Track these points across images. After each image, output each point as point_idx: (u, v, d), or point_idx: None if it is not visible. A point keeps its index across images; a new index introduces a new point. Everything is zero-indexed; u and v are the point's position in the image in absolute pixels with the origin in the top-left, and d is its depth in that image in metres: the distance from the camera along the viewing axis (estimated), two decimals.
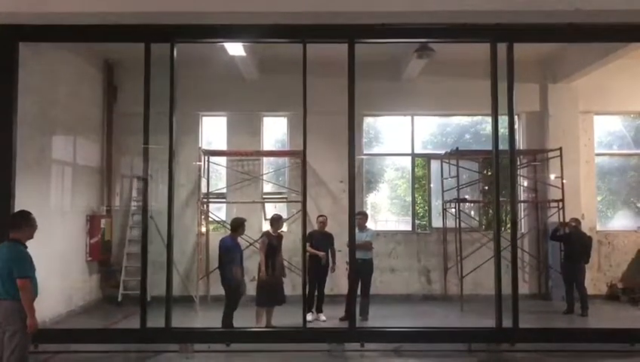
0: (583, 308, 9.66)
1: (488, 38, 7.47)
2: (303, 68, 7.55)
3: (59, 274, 9.15)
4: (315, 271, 9.17)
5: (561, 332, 8.09)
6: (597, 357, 7.19)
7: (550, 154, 11.24)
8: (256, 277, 8.63)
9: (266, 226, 9.46)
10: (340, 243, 9.23)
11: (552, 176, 11.30)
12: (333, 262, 9.35)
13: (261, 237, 8.88)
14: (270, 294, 8.42)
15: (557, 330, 8.23)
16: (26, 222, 5.25)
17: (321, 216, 9.64)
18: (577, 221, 10.17)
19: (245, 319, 8.31)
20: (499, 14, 6.85)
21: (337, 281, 10.25)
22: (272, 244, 8.54)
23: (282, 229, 9.90)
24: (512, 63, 7.44)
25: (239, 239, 8.66)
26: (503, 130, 11.90)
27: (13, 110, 7.27)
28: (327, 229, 9.52)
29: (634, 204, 12.14)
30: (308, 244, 9.35)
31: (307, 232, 8.63)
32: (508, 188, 12.26)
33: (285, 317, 8.73)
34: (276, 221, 8.84)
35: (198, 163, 11.13)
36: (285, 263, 10.51)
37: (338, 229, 9.36)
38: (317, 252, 9.15)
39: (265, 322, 8.47)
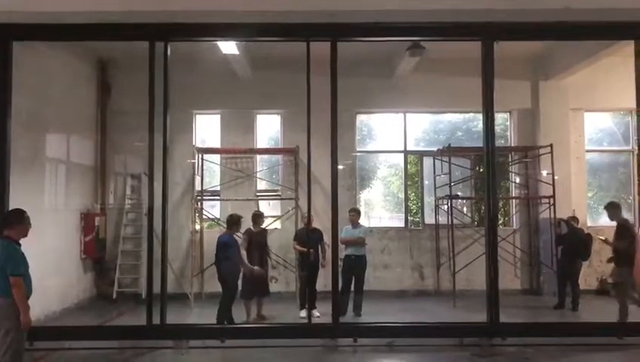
0: (574, 303, 9.77)
1: (479, 37, 7.54)
2: (307, 66, 7.59)
3: (53, 271, 9.16)
4: (304, 268, 9.31)
5: (552, 326, 8.17)
6: (586, 351, 7.26)
7: (541, 151, 11.35)
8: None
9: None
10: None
11: (544, 173, 11.41)
12: (324, 258, 9.39)
13: (244, 233, 8.97)
14: (254, 286, 8.69)
15: (547, 324, 8.31)
16: (19, 221, 5.28)
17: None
18: (574, 219, 10.29)
19: (237, 315, 8.49)
20: (489, 13, 6.92)
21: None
22: (253, 240, 8.80)
23: (275, 226, 10.01)
24: (493, 62, 7.51)
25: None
26: (495, 127, 12.06)
27: (7, 108, 7.30)
28: (319, 226, 9.57)
29: (624, 200, 12.25)
30: (295, 242, 9.49)
31: (297, 229, 8.74)
32: (499, 185, 12.54)
33: (276, 312, 8.97)
34: (257, 217, 9.20)
35: (192, 161, 11.17)
36: (280, 260, 10.66)
37: (330, 226, 9.39)
38: (304, 249, 9.22)
39: (254, 313, 8.78)
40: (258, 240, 9.00)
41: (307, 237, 8.85)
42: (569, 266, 10.01)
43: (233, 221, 8.69)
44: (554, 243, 10.82)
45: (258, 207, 11.31)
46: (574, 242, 10.00)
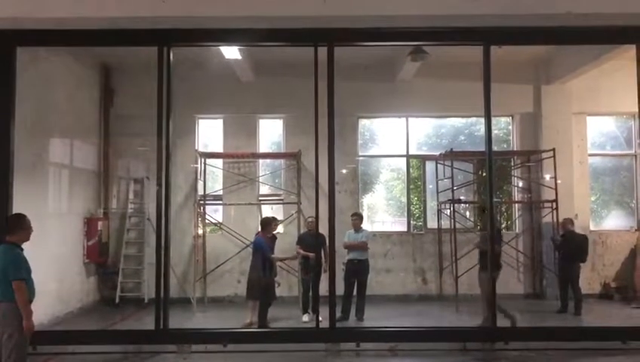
0: (576, 308, 9.73)
1: (479, 41, 7.55)
2: (314, 71, 7.54)
3: (56, 276, 9.20)
4: (307, 272, 9.35)
5: (553, 330, 8.15)
6: (590, 356, 7.24)
7: (544, 155, 11.35)
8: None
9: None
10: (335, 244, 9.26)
11: (546, 177, 11.40)
12: (326, 262, 9.34)
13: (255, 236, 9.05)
14: (261, 290, 8.68)
15: (550, 329, 8.29)
16: (19, 225, 5.27)
17: (310, 216, 9.71)
18: (570, 221, 10.28)
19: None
20: (490, 18, 6.93)
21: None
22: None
23: (278, 230, 10.04)
24: (489, 66, 7.53)
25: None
26: (497, 131, 12.08)
27: (12, 114, 7.33)
28: (321, 230, 9.56)
29: (627, 204, 12.24)
30: (298, 247, 9.50)
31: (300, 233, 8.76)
32: (502, 189, 12.55)
33: (278, 316, 9.01)
34: (268, 223, 9.20)
35: (194, 165, 11.19)
36: (283, 264, 10.66)
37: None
38: (306, 253, 9.24)
39: (253, 317, 8.72)
40: (268, 244, 9.04)
41: (315, 241, 8.80)
42: (569, 269, 9.98)
43: (264, 223, 9.02)
44: (552, 248, 10.82)
45: (261, 211, 11.34)
46: (571, 245, 9.99)
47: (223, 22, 7.08)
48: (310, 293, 9.36)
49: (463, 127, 12.65)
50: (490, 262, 7.75)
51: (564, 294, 10.00)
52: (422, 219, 12.35)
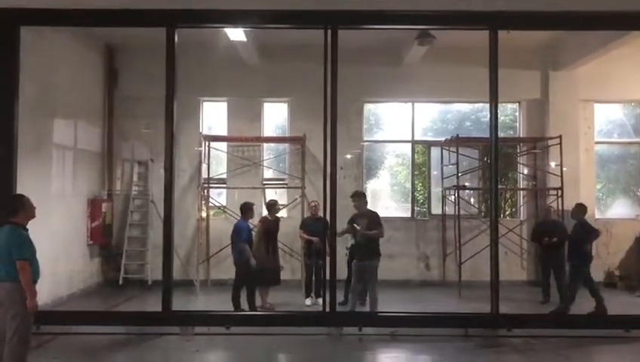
0: (562, 299, 9.54)
1: (487, 25, 7.46)
2: (324, 54, 7.44)
3: (60, 257, 9.23)
4: (310, 256, 9.34)
5: (558, 318, 8.16)
6: (592, 343, 7.26)
7: (550, 142, 11.26)
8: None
9: (266, 212, 9.58)
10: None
11: (552, 164, 11.33)
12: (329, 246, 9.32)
13: (259, 221, 9.04)
14: (268, 275, 8.74)
15: (553, 316, 8.31)
16: (20, 206, 5.30)
17: (312, 201, 9.70)
18: (550, 209, 10.26)
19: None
20: (498, 2, 6.86)
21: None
22: (268, 229, 8.89)
23: (282, 215, 10.02)
24: (496, 51, 7.46)
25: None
26: (504, 117, 12.00)
27: (15, 94, 7.30)
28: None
29: (633, 193, 12.17)
30: (302, 231, 9.48)
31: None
32: (507, 176, 12.49)
33: (280, 300, 9.05)
34: (272, 206, 9.23)
35: (198, 148, 11.17)
36: (286, 248, 10.67)
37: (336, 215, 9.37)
38: (310, 237, 9.23)
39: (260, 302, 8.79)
40: (272, 228, 9.07)
41: (321, 225, 8.77)
42: (550, 258, 9.81)
43: (244, 208, 8.84)
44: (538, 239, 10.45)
45: (265, 195, 11.31)
46: (555, 233, 9.75)
47: (230, 3, 7.02)
48: (313, 278, 9.37)
49: (469, 113, 12.55)
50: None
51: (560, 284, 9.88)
52: (426, 205, 12.32)
